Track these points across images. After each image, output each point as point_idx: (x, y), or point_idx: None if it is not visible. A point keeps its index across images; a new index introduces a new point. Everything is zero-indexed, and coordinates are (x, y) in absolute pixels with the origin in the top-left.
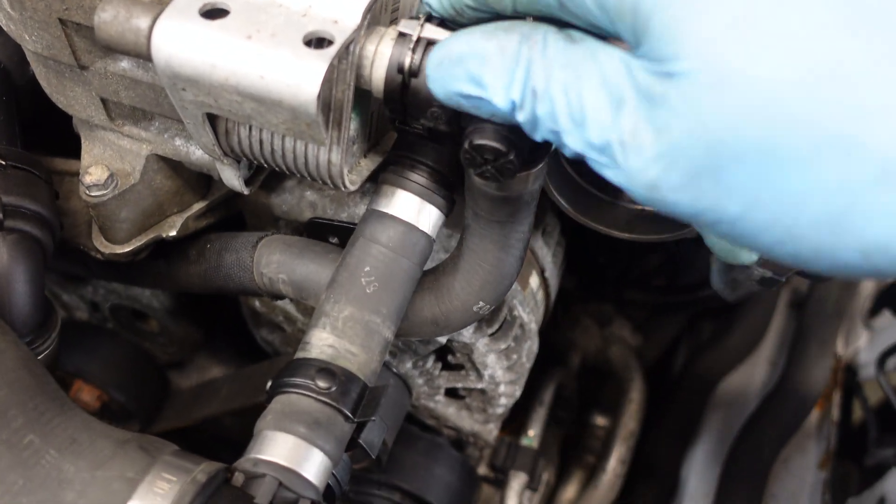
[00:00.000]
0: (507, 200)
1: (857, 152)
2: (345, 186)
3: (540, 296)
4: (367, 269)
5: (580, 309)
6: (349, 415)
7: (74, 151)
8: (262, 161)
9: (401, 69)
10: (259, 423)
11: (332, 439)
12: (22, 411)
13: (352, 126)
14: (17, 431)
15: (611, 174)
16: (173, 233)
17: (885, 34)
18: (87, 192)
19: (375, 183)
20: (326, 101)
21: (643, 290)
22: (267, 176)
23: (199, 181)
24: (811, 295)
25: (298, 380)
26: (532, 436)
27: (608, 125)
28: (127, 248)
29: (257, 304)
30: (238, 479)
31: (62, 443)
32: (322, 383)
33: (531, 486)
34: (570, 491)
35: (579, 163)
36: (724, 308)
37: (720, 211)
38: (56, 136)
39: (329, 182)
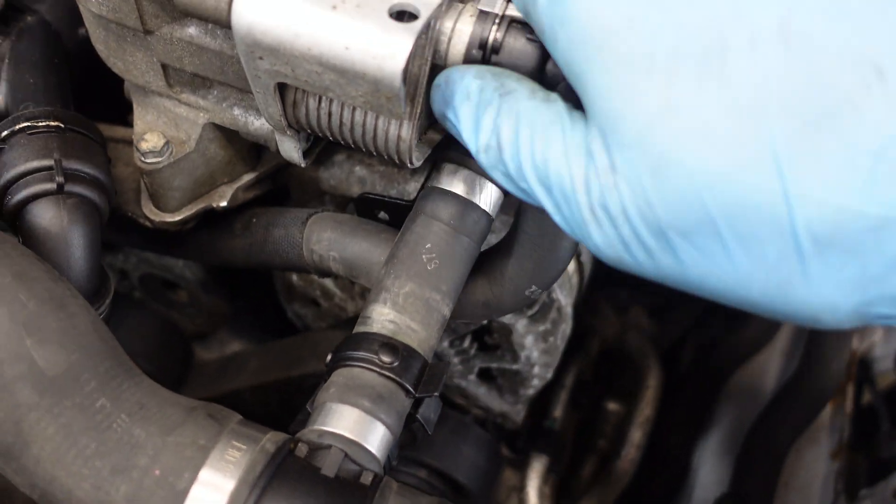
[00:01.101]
0: None
1: (788, 230)
2: (410, 163)
3: (575, 280)
4: (429, 245)
5: (598, 295)
6: (411, 390)
7: (118, 118)
8: (328, 134)
9: (482, 45)
10: (321, 395)
11: (393, 414)
12: (94, 375)
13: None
14: (89, 395)
15: (583, 241)
16: (224, 203)
17: (802, 117)
18: (143, 158)
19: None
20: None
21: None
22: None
23: (251, 152)
24: None
25: (362, 353)
26: (555, 418)
27: (572, 199)
28: (177, 217)
29: (294, 277)
30: (301, 449)
31: (132, 407)
32: (385, 358)
33: (553, 468)
34: (585, 474)
35: None
36: None
37: (681, 279)
38: (100, 102)
39: (395, 157)
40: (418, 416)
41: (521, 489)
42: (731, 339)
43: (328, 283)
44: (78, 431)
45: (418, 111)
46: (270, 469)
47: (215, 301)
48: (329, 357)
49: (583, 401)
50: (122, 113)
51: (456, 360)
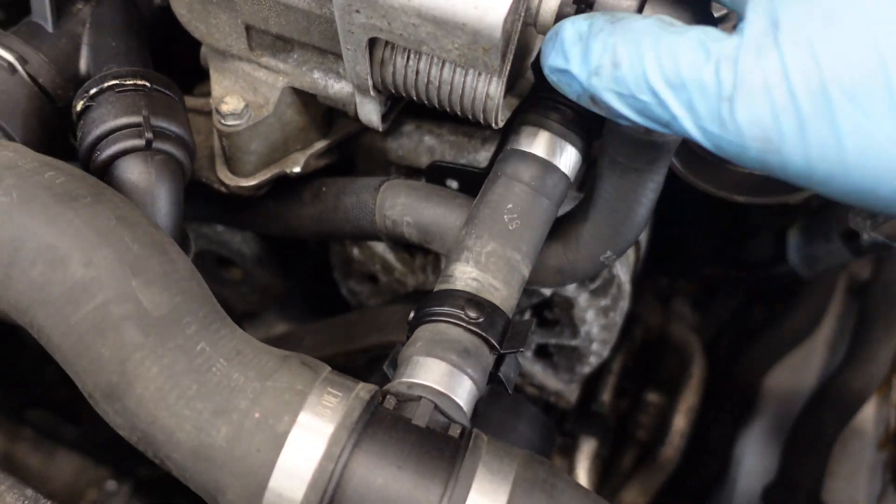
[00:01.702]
0: (653, 146)
1: None
2: (496, 123)
3: (632, 256)
4: (510, 206)
5: (642, 283)
6: (496, 345)
7: (186, 90)
8: (413, 93)
9: (576, 0)
10: (406, 350)
11: (479, 369)
12: (195, 319)
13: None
14: (190, 338)
15: (715, 139)
16: (297, 169)
17: None
18: (223, 121)
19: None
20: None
21: (711, 262)
22: None
23: (324, 120)
24: (877, 278)
25: (447, 308)
26: (603, 402)
27: (712, 86)
28: (252, 182)
29: (356, 251)
30: (390, 401)
31: (229, 353)
32: (471, 313)
33: (601, 452)
34: (625, 463)
35: None
36: (777, 292)
37: (834, 160)
38: (168, 73)
39: (481, 116)
40: (500, 373)
41: (569, 471)
42: (773, 329)
43: (389, 256)
44: (180, 373)
45: (507, 68)
46: (366, 416)
47: (270, 278)
48: (412, 314)
49: (627, 387)
50: (190, 84)
51: None
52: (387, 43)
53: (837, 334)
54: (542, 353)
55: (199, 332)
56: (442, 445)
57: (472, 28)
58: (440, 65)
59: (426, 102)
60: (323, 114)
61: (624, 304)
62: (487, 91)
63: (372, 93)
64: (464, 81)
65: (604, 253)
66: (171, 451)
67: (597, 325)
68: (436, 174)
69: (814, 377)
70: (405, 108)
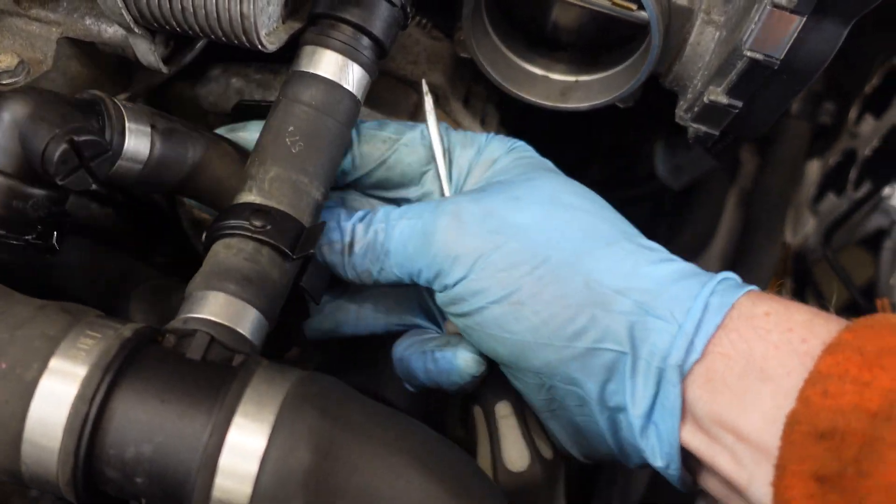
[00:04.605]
0: None
1: None
2: (262, 45)
3: None
4: (291, 128)
5: None
6: (287, 252)
7: None
8: (175, 24)
9: None
10: (188, 287)
11: (263, 296)
12: None
13: None
14: None
15: None
16: None
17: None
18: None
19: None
20: None
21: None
22: (190, 67)
23: (119, 71)
24: (756, 187)
25: (233, 221)
26: None
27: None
28: None
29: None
30: (169, 340)
31: None
32: (257, 222)
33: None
34: None
35: (511, 36)
36: (677, 209)
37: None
38: None
39: (244, 39)
40: (302, 283)
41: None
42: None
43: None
44: None
45: None
46: (125, 353)
47: None
48: (203, 236)
49: None
50: None
51: None
52: None
53: (728, 245)
54: None
55: None
56: (213, 375)
57: None
58: None
59: (191, 33)
60: (117, 66)
61: None
62: (241, 10)
63: (137, 30)
64: (216, 3)
65: None
66: None
67: None
68: (243, 113)
69: None
70: (212, 53)
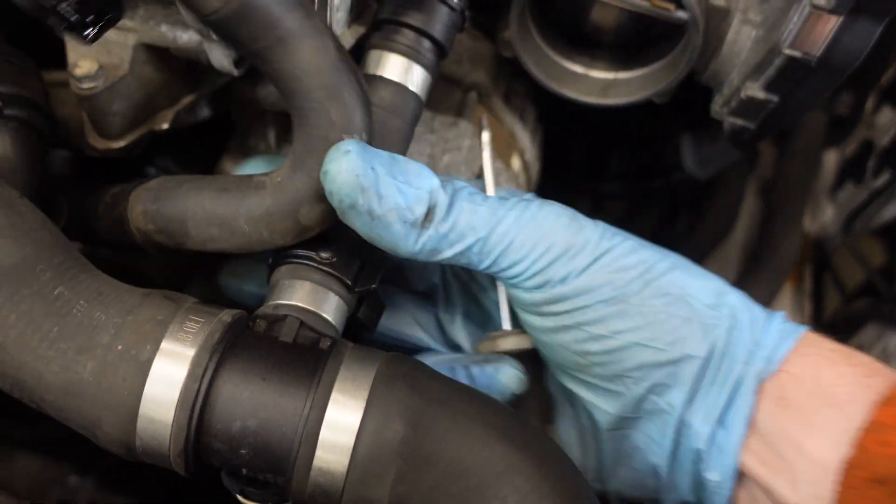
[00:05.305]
0: None
1: None
2: None
3: (522, 179)
4: None
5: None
6: (349, 284)
7: (55, 63)
8: None
9: None
10: (273, 277)
11: (343, 287)
12: (49, 266)
13: None
14: (46, 284)
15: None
16: (165, 125)
17: None
18: (79, 84)
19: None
20: None
21: (619, 179)
22: (251, 68)
23: (189, 74)
24: (778, 175)
25: (301, 251)
26: None
27: None
28: (121, 143)
29: None
30: (260, 325)
31: (90, 294)
32: (324, 253)
33: None
34: None
35: (552, 36)
36: (697, 200)
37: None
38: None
39: None
40: (359, 315)
41: None
42: (694, 234)
43: None
44: (40, 317)
45: None
46: (228, 337)
47: None
48: (270, 259)
49: None
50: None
51: None
52: None
53: (749, 234)
54: None
55: (56, 278)
56: (307, 356)
57: None
58: None
59: None
60: (186, 69)
61: None
62: None
63: (214, 36)
64: None
65: None
66: (43, 393)
67: None
68: None
69: (731, 278)
70: None
